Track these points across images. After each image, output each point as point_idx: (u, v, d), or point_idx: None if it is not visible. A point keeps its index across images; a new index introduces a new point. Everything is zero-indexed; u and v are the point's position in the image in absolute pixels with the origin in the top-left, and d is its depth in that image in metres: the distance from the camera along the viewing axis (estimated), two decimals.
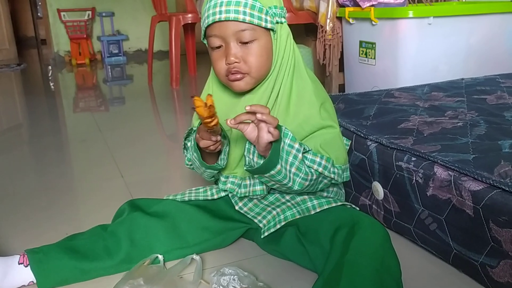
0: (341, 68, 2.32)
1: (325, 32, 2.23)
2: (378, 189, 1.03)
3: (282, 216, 0.92)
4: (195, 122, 0.97)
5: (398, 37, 1.90)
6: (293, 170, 0.84)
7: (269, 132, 0.78)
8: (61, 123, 2.36)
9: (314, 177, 0.87)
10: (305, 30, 2.66)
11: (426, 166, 0.92)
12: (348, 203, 0.92)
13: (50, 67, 4.43)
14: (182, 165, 1.20)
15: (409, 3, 2.14)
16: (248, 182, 0.94)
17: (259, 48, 0.86)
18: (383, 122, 1.18)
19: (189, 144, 0.96)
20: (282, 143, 0.82)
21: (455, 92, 1.45)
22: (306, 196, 0.93)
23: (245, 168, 0.86)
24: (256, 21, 0.84)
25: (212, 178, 1.00)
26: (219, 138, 0.85)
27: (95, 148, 1.80)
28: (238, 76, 0.87)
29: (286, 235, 0.91)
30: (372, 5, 1.98)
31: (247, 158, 0.86)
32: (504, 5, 2.04)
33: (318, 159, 0.87)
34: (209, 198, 1.00)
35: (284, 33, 0.90)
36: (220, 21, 0.83)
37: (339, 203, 0.90)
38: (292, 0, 2.48)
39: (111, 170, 1.52)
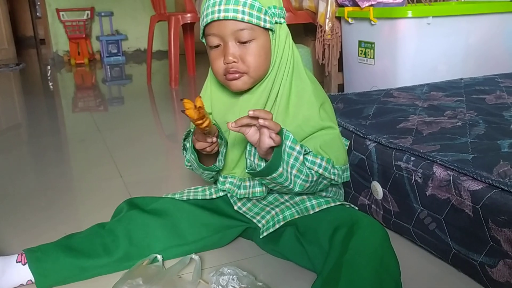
0: (340, 68, 2.32)
1: (324, 32, 2.23)
2: (377, 189, 1.03)
3: (281, 216, 0.92)
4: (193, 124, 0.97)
5: (397, 37, 1.90)
6: (294, 172, 0.84)
7: (271, 137, 0.78)
8: (60, 123, 2.36)
9: (315, 179, 0.87)
10: (304, 30, 2.66)
11: (425, 166, 0.92)
12: (347, 203, 0.92)
13: (49, 67, 4.42)
14: (181, 165, 1.20)
15: (408, 3, 2.14)
16: (247, 183, 0.94)
17: (257, 48, 0.86)
18: (382, 121, 1.18)
19: (188, 145, 0.96)
20: (284, 146, 0.82)
21: (454, 92, 1.46)
22: (305, 196, 0.93)
23: (246, 170, 0.86)
24: (255, 20, 0.83)
25: (212, 179, 1.00)
26: (214, 139, 0.85)
27: (94, 148, 1.79)
28: (236, 75, 0.86)
29: (285, 235, 0.91)
30: (371, 5, 1.98)
31: (248, 161, 0.86)
32: (503, 5, 2.04)
33: (318, 161, 0.87)
34: (208, 197, 1.00)
35: (283, 34, 0.89)
36: (218, 20, 0.83)
37: (338, 203, 0.90)
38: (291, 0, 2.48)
39: (110, 170, 1.52)
